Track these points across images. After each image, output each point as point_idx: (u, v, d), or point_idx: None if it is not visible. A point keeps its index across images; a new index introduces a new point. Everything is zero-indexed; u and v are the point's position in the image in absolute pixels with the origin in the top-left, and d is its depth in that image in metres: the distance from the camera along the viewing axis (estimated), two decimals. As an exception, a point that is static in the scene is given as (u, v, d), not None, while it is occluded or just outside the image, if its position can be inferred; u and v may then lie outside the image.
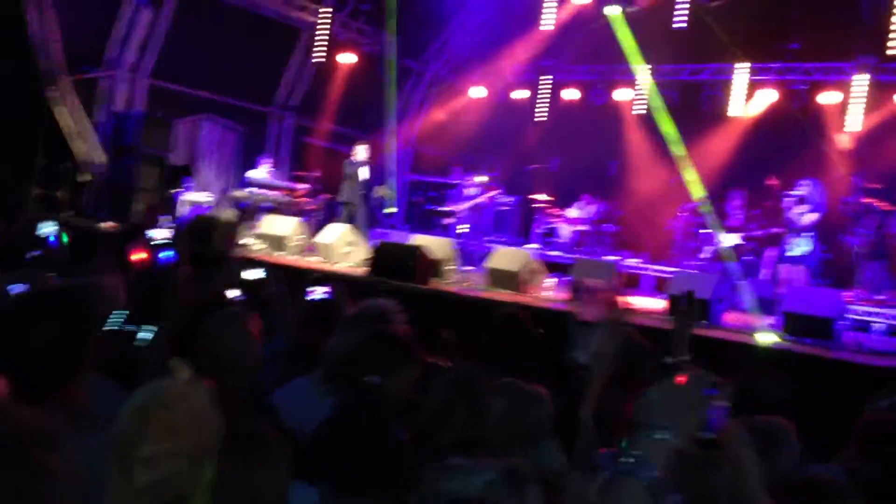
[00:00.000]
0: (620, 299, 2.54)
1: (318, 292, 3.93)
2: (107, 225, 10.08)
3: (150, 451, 1.69)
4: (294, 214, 12.17)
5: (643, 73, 14.23)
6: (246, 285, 3.96)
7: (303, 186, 13.33)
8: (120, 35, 12.59)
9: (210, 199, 12.88)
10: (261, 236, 10.89)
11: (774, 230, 11.13)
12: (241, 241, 10.33)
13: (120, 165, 11.66)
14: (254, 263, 4.13)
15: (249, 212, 12.57)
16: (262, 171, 13.12)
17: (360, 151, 12.26)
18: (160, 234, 4.01)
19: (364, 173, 12.08)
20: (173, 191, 12.16)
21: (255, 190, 12.69)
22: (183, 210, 11.95)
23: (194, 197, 12.44)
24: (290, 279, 4.50)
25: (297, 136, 15.57)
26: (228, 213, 10.73)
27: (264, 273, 3.96)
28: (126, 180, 11.57)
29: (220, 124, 14.03)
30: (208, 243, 8.58)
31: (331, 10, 14.39)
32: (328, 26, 14.44)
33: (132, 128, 11.69)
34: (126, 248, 3.79)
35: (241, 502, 1.80)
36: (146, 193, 11.57)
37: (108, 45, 12.61)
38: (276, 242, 10.71)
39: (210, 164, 13.92)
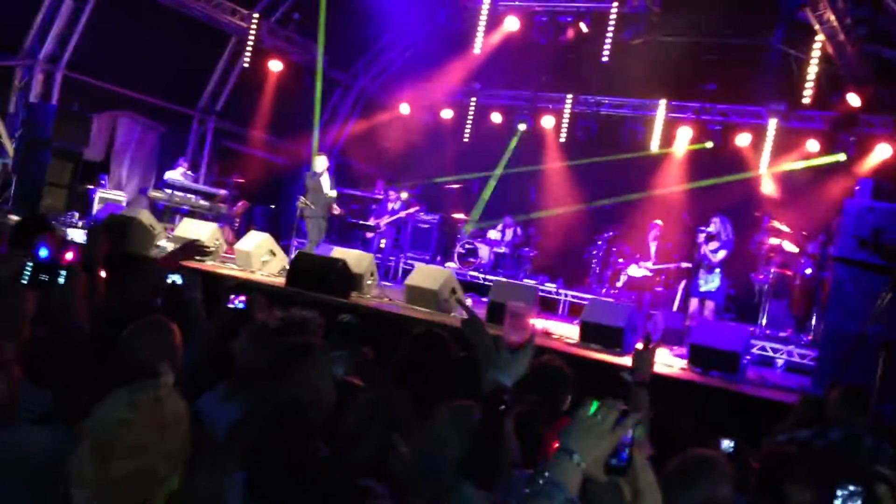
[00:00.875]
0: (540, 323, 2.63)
1: (240, 301, 3.87)
2: (12, 218, 9.67)
3: (136, 441, 1.67)
4: (212, 219, 11.93)
5: (568, 101, 14.58)
6: (164, 291, 3.87)
7: (222, 192, 13.08)
8: (40, 24, 12.13)
9: (125, 197, 12.50)
10: (177, 239, 10.60)
11: (684, 264, 11.54)
12: (156, 244, 10.07)
13: (31, 158, 11.20)
14: (172, 269, 4.02)
15: (166, 214, 12.27)
16: (177, 173, 12.82)
17: (321, 162, 11.61)
18: (75, 233, 3.89)
19: (326, 184, 11.43)
20: (88, 187, 11.76)
21: (172, 192, 12.38)
22: (97, 207, 11.56)
23: (109, 195, 12.05)
24: (206, 286, 4.41)
25: (219, 140, 15.28)
26: (144, 214, 10.42)
27: (182, 279, 3.87)
28: (36, 173, 11.11)
29: (139, 122, 13.64)
30: (123, 243, 8.32)
31: (259, 16, 14.23)
32: (256, 32, 14.28)
33: (46, 120, 11.25)
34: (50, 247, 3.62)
35: None
36: (57, 188, 11.15)
37: (26, 35, 12.13)
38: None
39: (127, 162, 13.51)
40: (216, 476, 1.86)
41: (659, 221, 12.41)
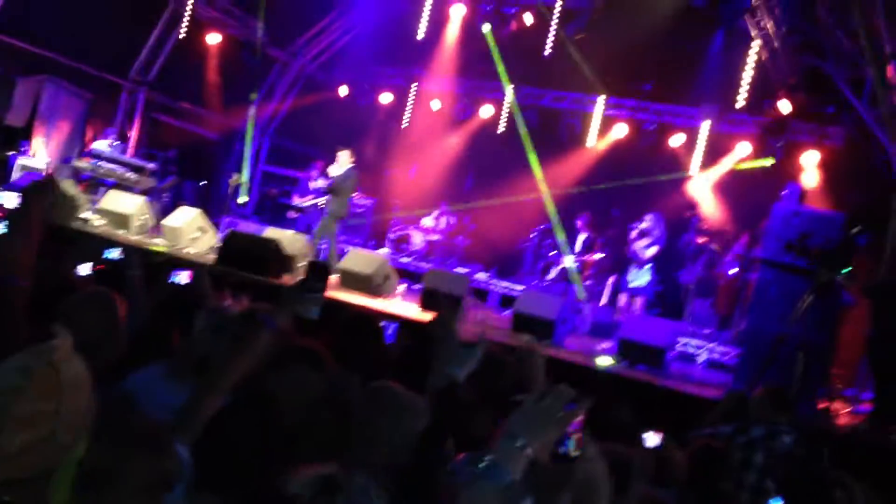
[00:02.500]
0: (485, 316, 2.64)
1: (182, 277, 3.74)
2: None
3: (29, 410, 1.57)
4: (140, 193, 11.56)
5: (509, 92, 14.62)
6: (103, 264, 3.72)
7: (151, 165, 12.68)
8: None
9: (47, 165, 12.01)
10: (102, 212, 10.26)
11: (596, 255, 11.80)
12: (79, 215, 9.71)
13: (-53, 120, 10.67)
14: (106, 242, 3.89)
15: (90, 185, 11.84)
16: (104, 144, 12.38)
17: (344, 158, 10.83)
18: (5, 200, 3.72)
19: (349, 181, 10.70)
20: (8, 153, 11.25)
21: (98, 162, 11.94)
22: (17, 175, 11.07)
23: (30, 162, 11.55)
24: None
25: (150, 111, 14.80)
26: (67, 184, 10.03)
27: (122, 253, 3.73)
28: (-47, 137, 10.60)
29: (65, 88, 13.09)
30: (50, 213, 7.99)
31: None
32: (194, 3, 13.88)
33: (-35, 81, 10.71)
34: None
35: (113, 489, 1.69)
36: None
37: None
38: (119, 220, 10.14)
39: (51, 129, 12.97)
40: (152, 455, 1.77)
41: (586, 216, 12.60)
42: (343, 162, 10.76)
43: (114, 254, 3.76)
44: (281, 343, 2.80)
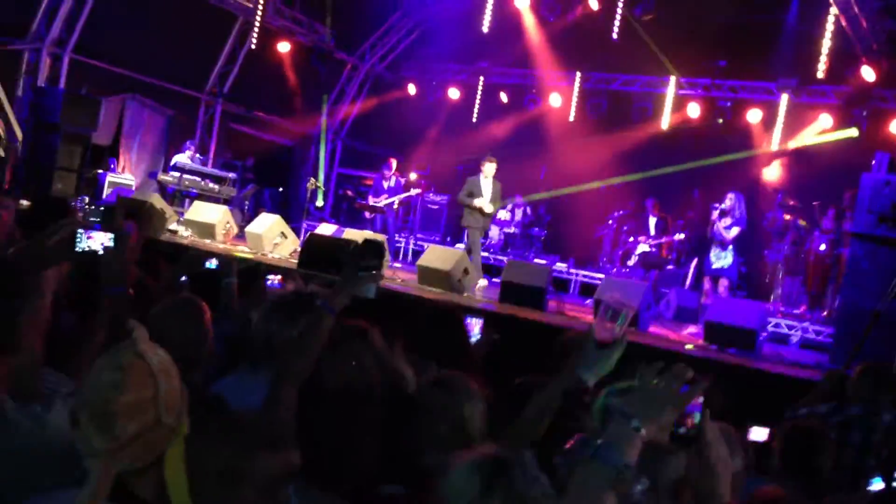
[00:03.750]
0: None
1: (274, 281, 3.86)
2: (22, 203, 9.65)
3: (133, 400, 1.68)
4: (222, 202, 11.91)
5: (577, 79, 14.48)
6: (202, 275, 3.87)
7: (231, 175, 13.04)
8: (46, 7, 12.06)
9: (134, 181, 12.49)
10: (188, 223, 10.61)
11: (678, 236, 11.59)
12: (168, 227, 10.07)
13: (40, 142, 11.17)
14: (204, 254, 4.05)
15: (175, 197, 12.25)
16: (185, 157, 12.79)
17: (490, 167, 10.29)
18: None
19: (489, 191, 10.14)
20: (97, 171, 11.74)
21: (181, 175, 12.35)
22: (107, 192, 11.54)
23: (118, 178, 12.03)
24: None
25: (227, 122, 15.23)
26: (155, 198, 10.40)
27: (218, 264, 3.88)
28: (46, 158, 11.09)
29: (147, 106, 13.60)
30: (140, 227, 8.31)
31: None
32: (263, 13, 14.19)
33: (54, 104, 11.19)
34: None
35: (240, 488, 1.75)
36: (67, 172, 11.12)
37: (33, 18, 12.07)
38: (204, 230, 10.46)
39: (135, 145, 13.48)
40: (275, 453, 1.84)
41: (653, 200, 12.42)
42: (490, 172, 10.27)
43: (212, 263, 3.91)
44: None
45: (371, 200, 13.47)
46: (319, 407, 2.36)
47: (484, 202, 10.10)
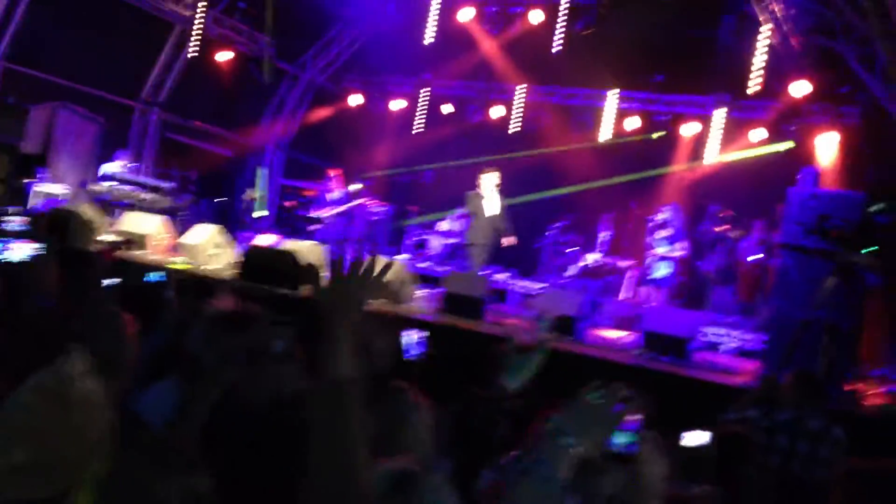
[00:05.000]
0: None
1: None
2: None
3: (35, 424, 1.57)
4: (157, 213, 11.65)
5: (519, 92, 14.60)
6: (144, 288, 3.79)
7: (167, 184, 12.77)
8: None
9: (65, 191, 12.13)
10: (121, 233, 10.34)
11: (622, 263, 11.75)
12: (97, 238, 9.79)
13: (-35, 151, 10.79)
14: (147, 266, 3.98)
15: (107, 207, 11.94)
16: (116, 166, 12.48)
17: (490, 179, 10.01)
18: (13, 225, 3.83)
19: (493, 205, 9.88)
20: (25, 181, 11.38)
21: (114, 184, 12.05)
22: (36, 201, 11.19)
23: (48, 188, 11.68)
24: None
25: (163, 132, 14.94)
26: (85, 208, 10.12)
27: (164, 277, 3.80)
28: (-29, 167, 10.72)
29: (78, 114, 13.22)
30: (66, 237, 8.08)
31: (206, 3, 13.93)
32: (203, 21, 13.98)
33: (-20, 112, 10.84)
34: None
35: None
36: (-6, 182, 10.77)
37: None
38: (137, 240, 10.21)
39: (66, 154, 13.09)
40: (154, 472, 1.76)
41: (608, 212, 12.56)
42: (490, 184, 9.96)
43: (154, 276, 3.82)
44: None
45: (313, 213, 13.36)
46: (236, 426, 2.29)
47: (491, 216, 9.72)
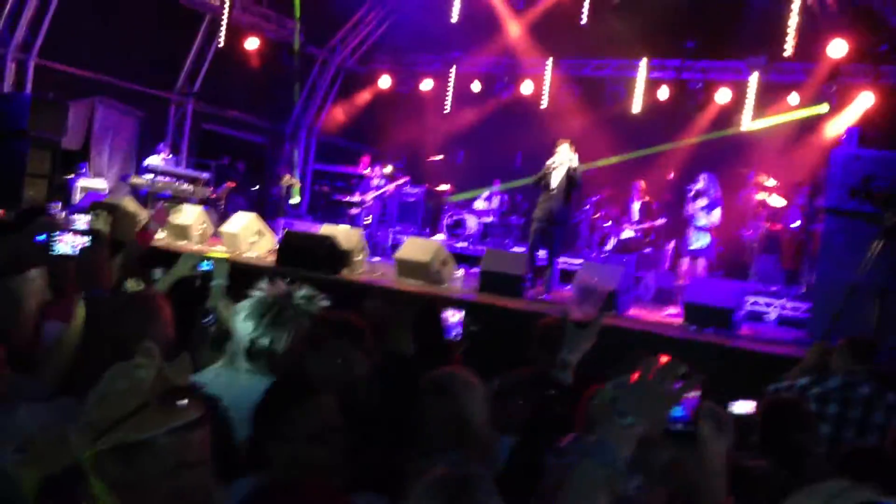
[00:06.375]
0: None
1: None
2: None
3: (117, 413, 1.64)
4: (196, 203, 11.81)
5: (549, 66, 14.48)
6: (195, 277, 3.87)
7: (205, 175, 12.93)
8: (9, 12, 11.87)
9: (106, 185, 12.35)
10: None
11: (659, 221, 11.65)
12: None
13: (8, 149, 10.98)
14: (199, 255, 4.05)
15: (149, 200, 12.13)
16: (158, 158, 12.66)
17: (563, 150, 9.19)
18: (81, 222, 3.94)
19: (559, 177, 9.06)
20: (67, 177, 11.59)
21: (154, 177, 12.22)
22: (79, 196, 11.40)
23: (90, 183, 11.89)
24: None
25: (198, 122, 15.09)
26: (127, 201, 10.29)
27: (210, 265, 3.87)
28: (15, 165, 10.91)
29: (116, 108, 13.43)
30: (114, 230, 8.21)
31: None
32: (230, 10, 14.05)
33: (21, 110, 11.00)
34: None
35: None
36: (37, 179, 10.96)
37: (-4, 23, 11.89)
38: (180, 231, 10.37)
39: (106, 149, 13.32)
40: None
41: (641, 183, 12.45)
42: (562, 154, 9.18)
43: (205, 265, 3.90)
44: (316, 319, 2.78)
45: (358, 196, 13.46)
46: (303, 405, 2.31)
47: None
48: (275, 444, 2.13)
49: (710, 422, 1.70)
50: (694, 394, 1.61)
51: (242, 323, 2.71)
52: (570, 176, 9.06)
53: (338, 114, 16.95)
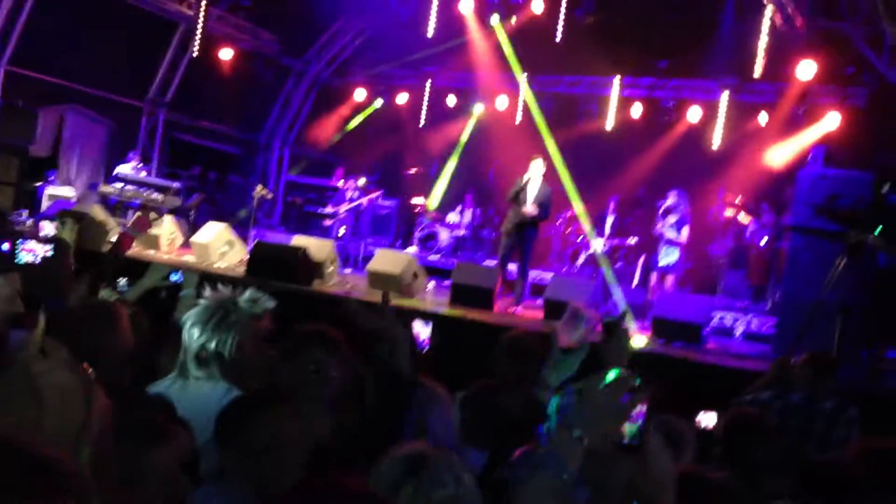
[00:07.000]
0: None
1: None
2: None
3: (7, 421, 1.55)
4: (166, 212, 11.71)
5: (523, 82, 14.58)
6: (162, 288, 3.84)
7: (176, 184, 12.84)
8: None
9: (74, 193, 12.21)
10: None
11: (630, 240, 11.76)
12: (109, 240, 9.85)
13: (-25, 156, 10.87)
14: (137, 264, 4.02)
15: (118, 209, 12.01)
16: (128, 167, 12.56)
17: (535, 166, 9.27)
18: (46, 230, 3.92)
19: (533, 193, 9.15)
20: (35, 184, 11.46)
21: (124, 186, 12.11)
22: (46, 204, 11.27)
23: (58, 191, 11.75)
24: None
25: (170, 132, 14.99)
26: (95, 210, 10.19)
27: (181, 276, 3.85)
28: (-18, 172, 10.80)
29: (86, 116, 13.30)
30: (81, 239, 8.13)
31: (207, 3, 13.93)
32: (204, 20, 14.00)
33: (-11, 116, 10.91)
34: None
35: (133, 489, 1.71)
36: (4, 186, 10.84)
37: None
38: (149, 240, 10.27)
39: (75, 157, 13.18)
40: (164, 448, 1.81)
41: (618, 197, 12.57)
42: (535, 171, 9.30)
43: (175, 275, 3.88)
44: (289, 329, 2.78)
45: (331, 208, 13.43)
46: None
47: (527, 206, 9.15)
48: (228, 453, 2.12)
49: (657, 435, 1.71)
50: (642, 407, 1.61)
51: (189, 331, 2.70)
52: (542, 204, 9.13)
53: (312, 125, 16.93)
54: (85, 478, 1.18)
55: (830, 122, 11.65)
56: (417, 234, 14.37)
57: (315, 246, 9.56)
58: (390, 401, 2.70)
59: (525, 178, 9.26)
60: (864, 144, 10.86)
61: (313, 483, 1.58)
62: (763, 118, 12.60)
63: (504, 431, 2.64)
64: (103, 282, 3.94)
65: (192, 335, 2.70)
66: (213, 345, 2.66)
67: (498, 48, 14.59)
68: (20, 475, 1.04)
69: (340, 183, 14.00)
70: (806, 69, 11.44)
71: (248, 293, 2.80)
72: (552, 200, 9.48)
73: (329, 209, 13.43)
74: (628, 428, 1.61)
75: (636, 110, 13.84)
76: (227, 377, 2.66)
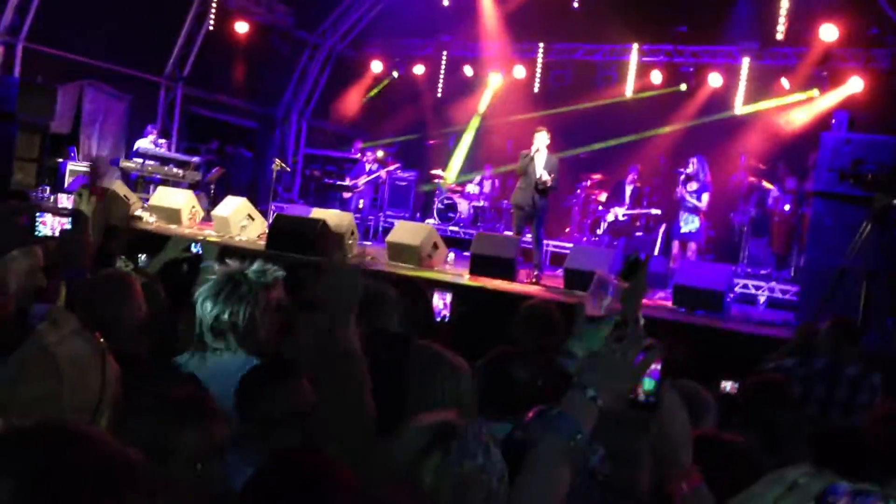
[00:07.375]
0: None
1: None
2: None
3: (29, 395, 1.59)
4: (187, 187, 11.78)
5: (539, 51, 14.45)
6: (183, 260, 3.87)
7: (195, 159, 12.88)
8: (-5, -4, 11.77)
9: (90, 164, 12.28)
10: (153, 209, 10.48)
11: (653, 211, 11.66)
12: (132, 214, 9.93)
13: (-4, 133, 10.92)
14: (182, 239, 4.07)
15: (139, 184, 12.09)
16: (148, 142, 12.60)
17: (540, 138, 9.15)
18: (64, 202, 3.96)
19: (541, 166, 8.99)
20: (58, 160, 11.53)
21: (144, 161, 12.17)
22: (69, 180, 11.35)
23: (79, 167, 11.82)
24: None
25: (188, 106, 15.00)
26: (118, 185, 10.24)
27: (199, 248, 3.88)
28: (3, 148, 10.85)
29: (105, 92, 13.33)
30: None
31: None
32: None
33: (10, 94, 10.92)
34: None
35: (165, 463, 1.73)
36: (26, 163, 10.90)
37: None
38: (170, 215, 10.34)
39: (95, 133, 13.23)
40: (199, 424, 1.82)
41: (639, 167, 12.46)
42: (541, 143, 9.13)
43: (196, 247, 3.92)
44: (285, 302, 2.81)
45: (349, 181, 13.44)
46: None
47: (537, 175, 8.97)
48: (248, 422, 2.15)
49: (673, 393, 1.70)
50: (656, 365, 1.61)
51: (202, 305, 2.74)
52: (551, 174, 9.00)
53: (329, 98, 16.88)
54: (153, 474, 1.19)
55: (853, 85, 11.45)
56: (436, 206, 14.35)
57: (334, 218, 9.57)
58: (381, 360, 2.70)
59: (532, 149, 9.14)
60: (888, 107, 10.68)
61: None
62: (785, 83, 12.41)
63: (519, 400, 2.64)
64: (117, 253, 3.98)
65: (206, 308, 2.74)
66: (226, 315, 2.70)
67: (514, 16, 14.43)
68: (94, 471, 1.05)
69: (359, 156, 13.99)
70: (829, 32, 11.24)
71: (256, 264, 2.82)
72: (559, 170, 9.36)
73: (348, 182, 13.43)
74: (643, 386, 1.61)
75: (656, 77, 13.67)
76: (244, 346, 2.69)
